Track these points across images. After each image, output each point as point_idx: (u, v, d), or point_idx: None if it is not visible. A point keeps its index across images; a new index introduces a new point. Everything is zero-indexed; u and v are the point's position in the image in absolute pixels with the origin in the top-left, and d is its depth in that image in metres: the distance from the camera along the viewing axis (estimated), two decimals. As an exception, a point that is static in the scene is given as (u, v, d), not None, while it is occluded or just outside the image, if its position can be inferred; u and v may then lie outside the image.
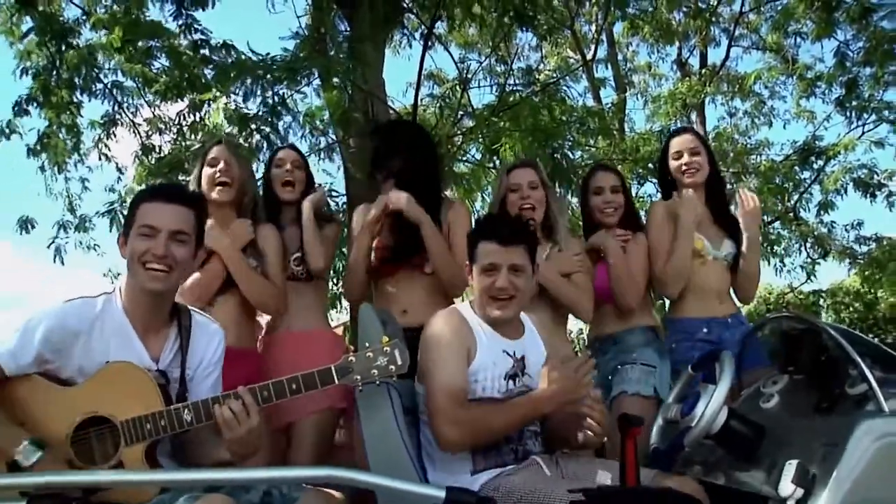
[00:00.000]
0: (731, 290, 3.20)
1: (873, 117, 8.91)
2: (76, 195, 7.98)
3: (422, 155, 2.84)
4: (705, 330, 3.04)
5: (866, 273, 10.96)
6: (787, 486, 1.80)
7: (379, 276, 2.81)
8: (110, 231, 6.52)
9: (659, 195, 3.45)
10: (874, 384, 1.92)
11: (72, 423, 1.81)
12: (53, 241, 7.51)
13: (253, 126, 5.05)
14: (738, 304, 3.28)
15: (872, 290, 13.80)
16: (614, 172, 3.29)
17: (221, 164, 2.77)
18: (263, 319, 3.01)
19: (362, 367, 1.88)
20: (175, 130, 7.26)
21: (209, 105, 5.17)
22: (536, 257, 2.29)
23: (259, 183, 3.19)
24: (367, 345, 1.90)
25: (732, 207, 3.26)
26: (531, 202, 2.90)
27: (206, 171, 2.79)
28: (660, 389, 2.87)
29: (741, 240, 3.09)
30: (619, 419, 1.91)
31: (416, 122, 3.67)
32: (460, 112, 6.89)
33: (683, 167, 3.12)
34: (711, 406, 2.05)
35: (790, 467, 1.82)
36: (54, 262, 7.41)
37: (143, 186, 6.35)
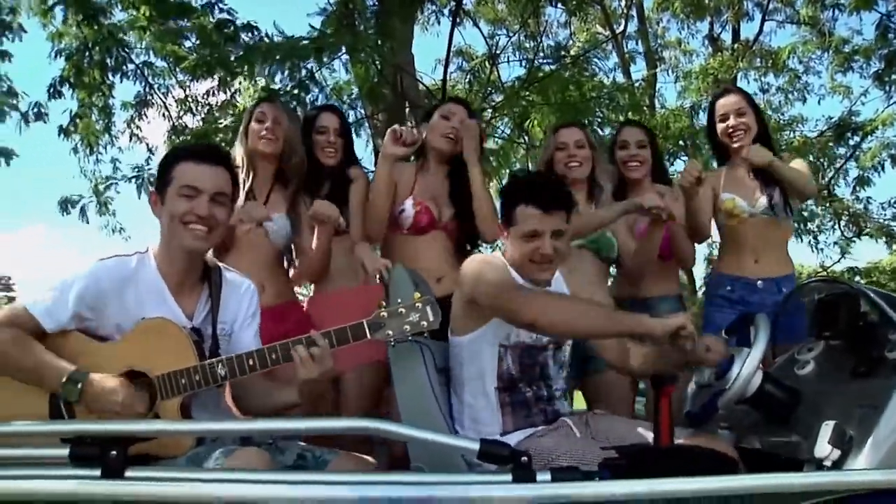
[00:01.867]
0: (782, 247, 3.13)
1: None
2: (103, 177, 8.00)
3: None
4: (728, 288, 3.02)
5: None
6: (823, 448, 1.76)
7: (412, 237, 2.83)
8: (139, 198, 6.64)
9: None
10: (914, 347, 1.88)
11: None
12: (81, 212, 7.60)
13: (281, 100, 5.07)
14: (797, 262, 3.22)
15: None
16: (640, 128, 3.27)
17: (269, 122, 2.79)
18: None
19: (394, 322, 1.88)
20: (205, 111, 7.33)
21: (240, 84, 5.21)
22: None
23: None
24: (398, 301, 1.90)
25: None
26: (578, 160, 2.92)
27: (254, 125, 2.82)
28: None
29: (786, 189, 3.00)
30: (652, 378, 1.89)
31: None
32: (489, 87, 6.85)
33: (730, 130, 3.05)
34: (746, 369, 2.02)
35: (827, 428, 1.79)
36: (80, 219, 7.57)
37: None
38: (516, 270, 2.18)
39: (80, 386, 1.78)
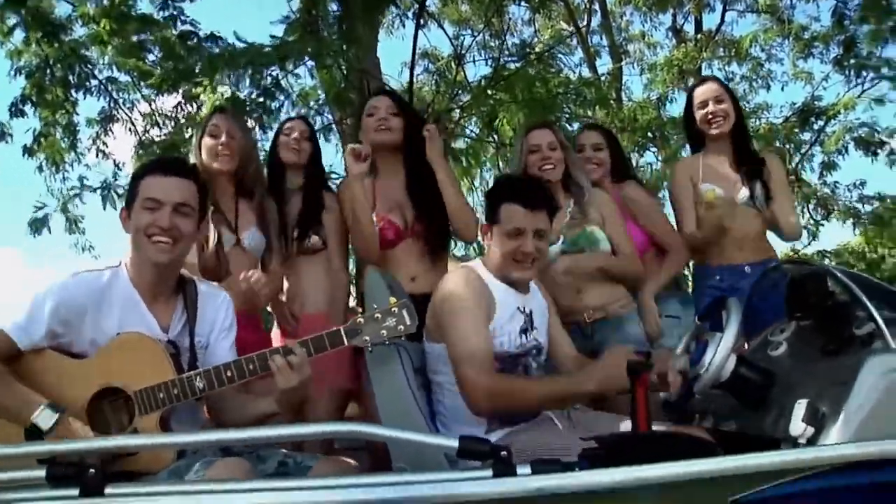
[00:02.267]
0: (763, 235, 3.17)
1: (872, 75, 8.86)
2: (70, 195, 7.88)
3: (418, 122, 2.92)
4: (717, 277, 3.05)
5: (870, 232, 10.93)
6: (797, 426, 1.79)
7: (384, 251, 2.82)
8: (104, 209, 6.59)
9: (660, 163, 3.47)
10: (881, 323, 1.91)
11: (86, 394, 1.83)
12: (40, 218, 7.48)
13: (247, 108, 5.05)
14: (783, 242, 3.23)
15: (877, 250, 13.79)
16: (598, 130, 3.30)
17: (224, 137, 2.73)
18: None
19: (371, 327, 1.89)
20: (172, 124, 7.27)
21: (205, 96, 5.18)
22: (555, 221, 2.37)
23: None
24: (374, 306, 1.90)
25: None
26: (552, 162, 2.92)
27: (207, 140, 2.76)
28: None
29: (767, 181, 3.05)
30: (628, 366, 1.92)
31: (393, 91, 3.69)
32: (456, 88, 6.88)
33: (709, 116, 3.08)
34: (719, 353, 2.05)
35: (800, 407, 1.82)
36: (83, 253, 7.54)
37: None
38: (497, 273, 2.20)
39: (57, 416, 1.74)
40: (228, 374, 1.85)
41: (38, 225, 7.41)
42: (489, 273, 2.22)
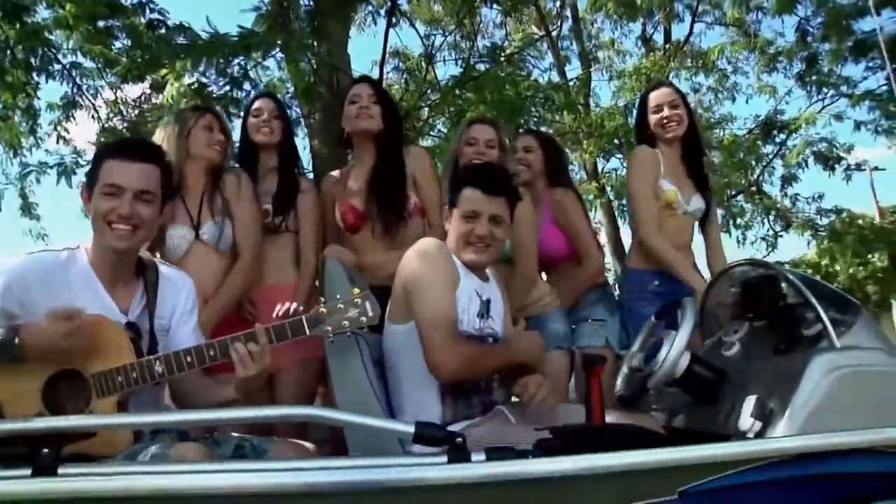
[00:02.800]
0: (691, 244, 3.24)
1: (831, 91, 9.10)
2: (30, 181, 7.75)
3: (394, 109, 2.96)
4: (656, 283, 3.07)
5: (823, 246, 11.21)
6: (746, 421, 1.85)
7: (350, 235, 2.84)
8: (57, 184, 6.57)
9: (625, 169, 3.53)
10: (828, 323, 1.98)
11: (42, 377, 1.81)
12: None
13: (213, 97, 5.00)
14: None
15: (830, 264, 14.16)
16: (532, 134, 3.39)
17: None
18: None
19: (333, 318, 1.89)
20: (136, 113, 7.16)
21: (171, 87, 5.10)
22: None
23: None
24: (337, 297, 1.91)
25: None
26: (485, 158, 2.92)
27: (201, 134, 2.78)
28: (611, 340, 3.02)
29: (710, 197, 3.15)
30: (583, 359, 1.96)
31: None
32: (426, 87, 6.89)
33: (664, 120, 3.11)
34: (674, 350, 2.10)
35: (749, 402, 1.88)
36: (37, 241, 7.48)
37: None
38: (456, 255, 2.22)
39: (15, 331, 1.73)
40: (188, 359, 1.84)
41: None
42: (451, 251, 2.23)
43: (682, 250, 3.13)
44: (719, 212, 2.97)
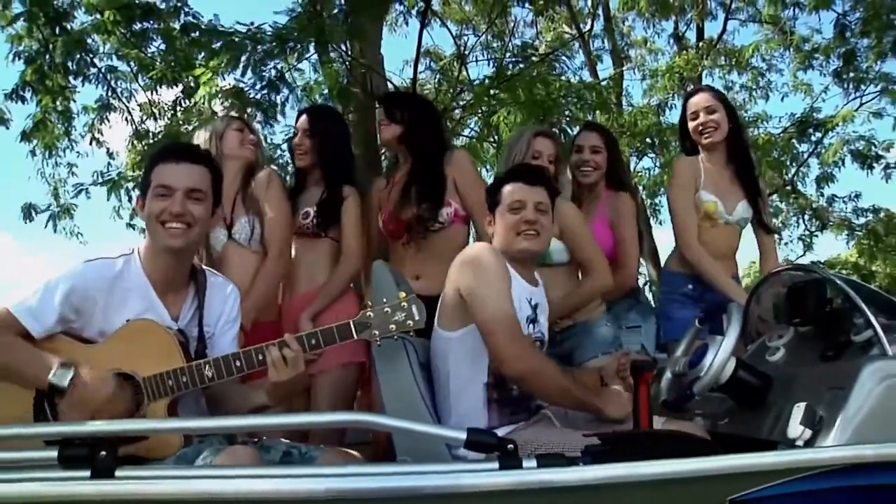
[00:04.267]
0: (735, 253, 3.20)
1: (871, 88, 8.93)
2: (62, 180, 7.96)
3: (422, 117, 2.96)
4: (690, 287, 3.06)
5: (863, 246, 10.99)
6: (795, 428, 1.83)
7: (393, 242, 2.88)
8: (108, 199, 6.67)
9: (658, 168, 3.50)
10: (878, 330, 1.95)
11: (95, 380, 1.84)
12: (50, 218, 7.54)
13: (250, 100, 5.05)
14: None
15: (868, 264, 13.90)
16: (599, 131, 3.30)
17: (247, 132, 2.86)
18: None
19: (380, 321, 1.91)
20: (169, 116, 7.26)
21: (205, 91, 5.16)
22: None
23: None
24: (384, 300, 1.92)
25: None
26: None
27: (233, 133, 2.85)
28: (646, 344, 3.02)
29: (759, 203, 3.10)
30: (631, 366, 1.95)
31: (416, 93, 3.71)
32: (459, 87, 6.90)
33: (700, 127, 3.10)
34: (720, 356, 2.08)
35: (798, 410, 1.86)
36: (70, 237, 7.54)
37: (136, 172, 6.43)
38: (506, 254, 2.21)
39: (72, 371, 1.78)
40: (238, 363, 1.87)
41: (31, 212, 7.44)
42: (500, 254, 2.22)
43: (724, 260, 3.10)
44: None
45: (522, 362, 2.01)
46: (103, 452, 1.56)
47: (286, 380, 1.85)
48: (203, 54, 5.43)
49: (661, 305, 3.17)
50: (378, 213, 2.96)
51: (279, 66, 5.15)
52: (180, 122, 6.62)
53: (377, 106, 3.08)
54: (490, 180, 3.55)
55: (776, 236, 3.09)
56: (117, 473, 1.55)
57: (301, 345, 1.87)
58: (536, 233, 2.20)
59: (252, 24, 4.97)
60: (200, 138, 2.86)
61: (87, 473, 1.54)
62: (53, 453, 1.57)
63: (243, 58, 4.93)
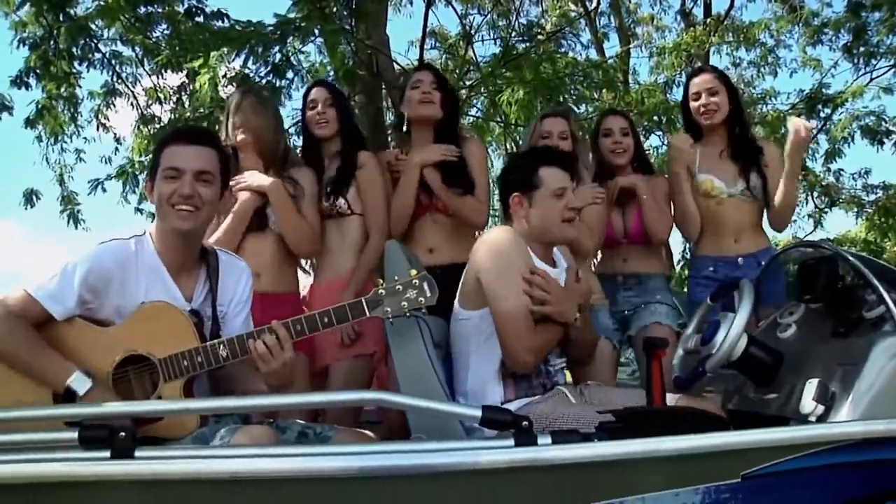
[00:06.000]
0: (759, 225, 3.19)
1: (881, 63, 8.83)
2: (69, 167, 7.92)
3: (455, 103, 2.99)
4: (711, 269, 3.08)
5: (874, 222, 10.91)
6: (808, 404, 1.84)
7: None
8: (123, 190, 6.67)
9: (665, 146, 3.50)
10: (891, 305, 1.96)
11: (111, 361, 1.87)
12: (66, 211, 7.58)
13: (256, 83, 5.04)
14: (773, 234, 3.25)
15: (878, 240, 13.84)
16: (622, 116, 3.34)
17: (239, 115, 2.77)
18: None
19: (392, 299, 1.91)
20: (174, 100, 7.25)
21: (205, 77, 5.15)
22: None
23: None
24: (395, 278, 1.93)
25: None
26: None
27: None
28: (673, 321, 3.04)
29: (763, 172, 3.08)
30: (644, 342, 1.96)
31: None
32: (465, 67, 6.86)
33: (701, 108, 3.11)
34: (732, 332, 2.09)
35: (811, 386, 1.87)
36: (76, 228, 7.59)
37: (144, 157, 6.43)
38: (531, 245, 2.22)
39: (90, 382, 1.80)
40: (252, 342, 1.88)
41: (33, 197, 7.46)
42: (525, 239, 2.24)
43: (749, 231, 3.11)
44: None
45: (529, 360, 2.10)
46: (122, 433, 1.58)
47: (273, 370, 1.84)
48: (203, 42, 5.39)
49: (689, 290, 3.19)
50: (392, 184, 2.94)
51: (284, 51, 5.13)
52: (185, 108, 6.62)
53: (416, 72, 3.03)
54: (498, 160, 3.56)
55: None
56: (136, 454, 1.57)
57: (287, 330, 1.86)
58: (575, 220, 2.26)
59: (256, 23, 4.97)
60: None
61: (108, 454, 1.56)
62: (74, 434, 1.59)
63: (245, 51, 4.94)
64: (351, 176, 2.86)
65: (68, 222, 7.77)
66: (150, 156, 2.10)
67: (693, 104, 3.15)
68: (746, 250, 3.10)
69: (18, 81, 6.66)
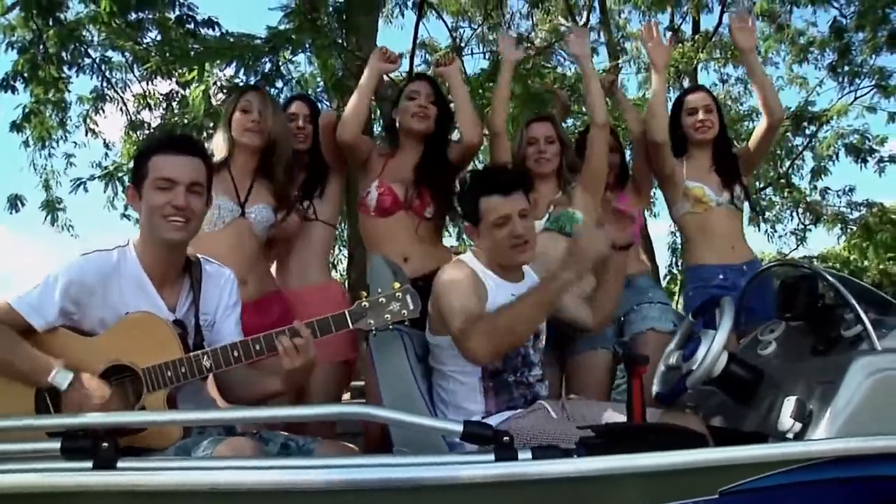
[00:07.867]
0: (744, 235, 3.28)
1: (865, 82, 8.97)
2: (58, 172, 7.96)
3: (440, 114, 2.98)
4: (721, 276, 3.10)
5: (853, 241, 11.03)
6: (786, 421, 1.86)
7: (379, 219, 2.88)
8: (104, 192, 6.69)
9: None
10: (868, 325, 1.99)
11: (94, 371, 1.85)
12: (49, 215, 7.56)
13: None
14: (758, 249, 3.30)
15: (860, 260, 13.98)
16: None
17: (254, 114, 2.76)
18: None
19: (375, 312, 1.92)
20: (164, 106, 7.25)
21: (198, 83, 5.16)
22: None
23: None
24: (379, 290, 1.94)
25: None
26: (547, 155, 2.97)
27: (238, 115, 2.78)
28: (676, 325, 3.00)
29: (744, 183, 3.17)
30: (625, 359, 1.97)
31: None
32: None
33: (697, 124, 3.17)
34: (713, 350, 2.11)
35: (789, 403, 1.89)
36: (60, 231, 7.63)
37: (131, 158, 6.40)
38: (493, 267, 2.24)
39: (71, 375, 1.79)
40: (235, 353, 1.88)
41: (15, 202, 7.43)
42: (481, 265, 2.24)
43: (734, 243, 3.17)
44: (746, 206, 3.02)
45: (481, 349, 2.00)
46: (105, 444, 1.58)
47: (298, 366, 1.87)
48: (194, 54, 5.39)
49: (694, 301, 3.08)
50: (368, 155, 2.95)
51: (274, 60, 5.16)
52: (174, 114, 6.62)
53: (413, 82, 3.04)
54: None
55: (759, 227, 3.17)
56: (119, 464, 1.58)
57: (294, 336, 1.87)
58: (527, 241, 2.20)
59: (241, 35, 5.01)
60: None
61: (90, 465, 1.57)
62: (56, 445, 1.59)
63: (234, 62, 4.96)
64: (320, 181, 2.95)
65: (52, 225, 7.76)
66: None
67: (688, 119, 3.21)
68: (745, 258, 3.17)
69: (5, 84, 6.64)
